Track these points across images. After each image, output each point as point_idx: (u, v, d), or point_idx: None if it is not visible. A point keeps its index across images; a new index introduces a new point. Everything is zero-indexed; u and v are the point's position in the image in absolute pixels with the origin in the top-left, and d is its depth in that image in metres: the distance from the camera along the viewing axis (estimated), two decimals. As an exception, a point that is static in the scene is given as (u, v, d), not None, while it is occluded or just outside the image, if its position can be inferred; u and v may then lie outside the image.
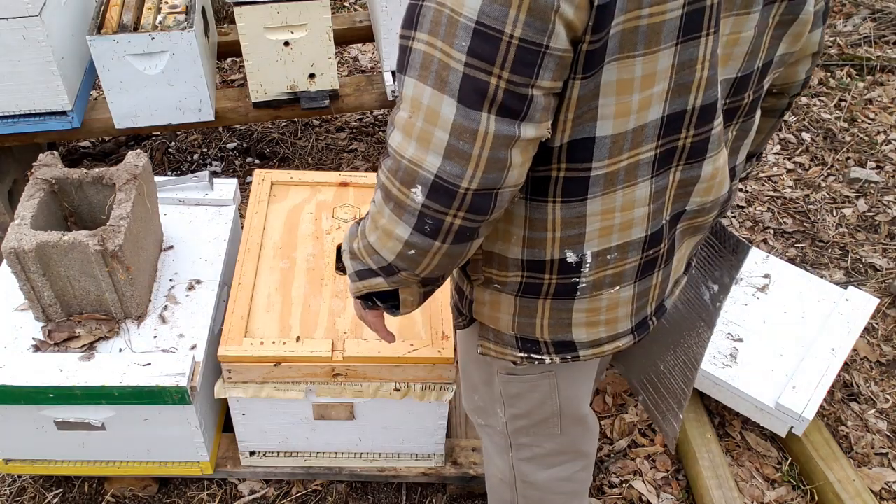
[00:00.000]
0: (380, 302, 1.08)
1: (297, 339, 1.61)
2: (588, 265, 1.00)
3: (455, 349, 1.51)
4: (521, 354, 1.12)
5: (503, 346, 1.13)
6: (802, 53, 1.07)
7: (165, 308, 1.72)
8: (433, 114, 0.82)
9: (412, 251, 0.91)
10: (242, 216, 2.03)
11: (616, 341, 1.11)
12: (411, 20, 0.82)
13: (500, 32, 0.76)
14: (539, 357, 1.12)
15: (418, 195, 0.86)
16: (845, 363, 2.12)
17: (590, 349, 1.10)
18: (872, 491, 1.85)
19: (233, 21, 2.41)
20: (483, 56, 0.78)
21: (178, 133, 3.02)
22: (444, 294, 1.70)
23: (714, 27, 0.86)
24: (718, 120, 0.96)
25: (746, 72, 0.97)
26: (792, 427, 1.85)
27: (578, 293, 1.03)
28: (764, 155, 1.09)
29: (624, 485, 1.94)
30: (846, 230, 2.62)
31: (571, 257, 0.99)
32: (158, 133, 2.99)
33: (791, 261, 2.45)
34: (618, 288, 1.04)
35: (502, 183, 0.85)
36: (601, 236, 0.98)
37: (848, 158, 2.90)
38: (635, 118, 0.88)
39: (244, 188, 2.58)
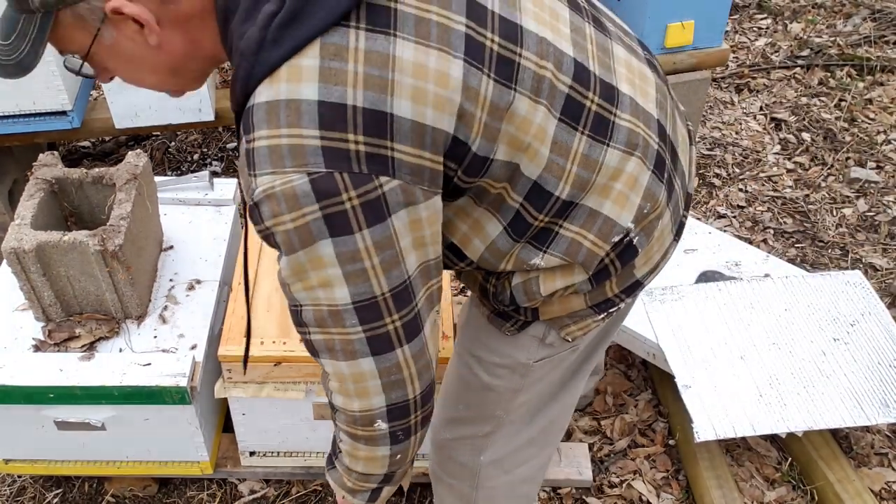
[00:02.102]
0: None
1: (300, 340, 1.60)
2: (631, 226, 1.04)
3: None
4: (601, 316, 1.14)
5: (582, 320, 1.14)
6: None
7: (165, 308, 1.72)
8: (359, 375, 0.94)
9: (399, 455, 1.04)
10: (242, 216, 2.03)
11: (667, 255, 1.15)
12: (299, 319, 0.93)
13: (374, 297, 0.88)
14: (615, 308, 1.15)
15: (382, 425, 0.98)
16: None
17: (650, 274, 1.14)
18: (872, 491, 1.85)
19: (233, 21, 2.41)
20: (373, 318, 0.90)
21: (179, 133, 3.02)
22: (444, 294, 1.70)
23: None
24: None
25: None
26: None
27: (638, 246, 1.07)
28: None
29: (623, 485, 1.93)
30: (846, 230, 2.62)
31: (617, 236, 1.03)
32: (158, 133, 2.99)
33: (791, 261, 2.45)
34: (661, 222, 1.08)
35: (434, 366, 0.99)
36: (620, 208, 1.02)
37: (848, 158, 2.90)
38: (546, 137, 0.94)
39: (244, 188, 2.57)
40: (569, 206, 0.99)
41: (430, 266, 0.93)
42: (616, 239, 1.03)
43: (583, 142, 0.96)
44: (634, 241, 1.06)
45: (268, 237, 0.87)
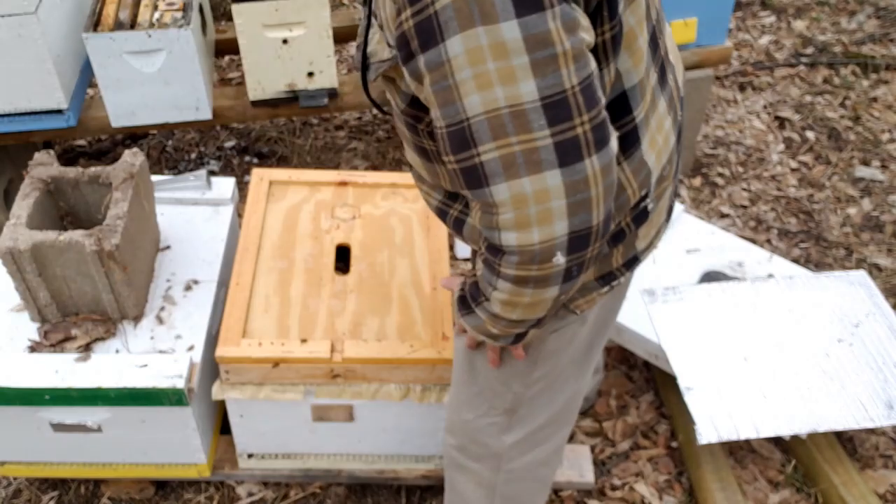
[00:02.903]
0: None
1: (303, 340, 1.59)
2: (652, 188, 1.06)
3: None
4: (605, 289, 1.14)
5: (588, 293, 1.13)
6: None
7: (162, 309, 1.70)
8: (543, 193, 0.83)
9: (563, 297, 0.95)
10: (240, 215, 2.02)
11: (659, 233, 1.16)
12: (465, 140, 0.83)
13: (564, 91, 0.80)
14: (616, 282, 1.14)
15: (560, 259, 0.87)
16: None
17: (646, 251, 1.15)
18: (877, 493, 1.84)
19: (230, 18, 2.39)
20: (562, 118, 0.81)
21: (176, 132, 3.00)
22: (443, 295, 1.69)
23: None
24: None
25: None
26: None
27: (651, 212, 1.08)
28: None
29: (626, 487, 1.92)
30: (851, 230, 2.60)
31: (643, 190, 1.04)
32: (155, 132, 2.97)
33: (795, 261, 2.43)
34: (663, 187, 1.10)
35: (613, 198, 0.90)
36: (657, 162, 1.04)
37: (852, 157, 2.88)
38: (643, 54, 0.96)
39: (242, 187, 2.56)
40: (632, 140, 0.98)
41: None
42: (640, 196, 1.04)
43: (653, 77, 1.00)
44: (649, 206, 1.07)
45: (423, 22, 0.76)
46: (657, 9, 1.04)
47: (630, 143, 0.99)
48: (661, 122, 1.04)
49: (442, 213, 1.14)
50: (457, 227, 1.12)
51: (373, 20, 0.95)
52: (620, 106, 0.96)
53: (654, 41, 1.01)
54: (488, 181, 0.84)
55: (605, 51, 0.89)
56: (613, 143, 0.86)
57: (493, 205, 0.86)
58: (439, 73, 0.81)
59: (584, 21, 0.83)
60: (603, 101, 0.85)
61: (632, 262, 1.15)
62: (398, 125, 1.08)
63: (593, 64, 0.83)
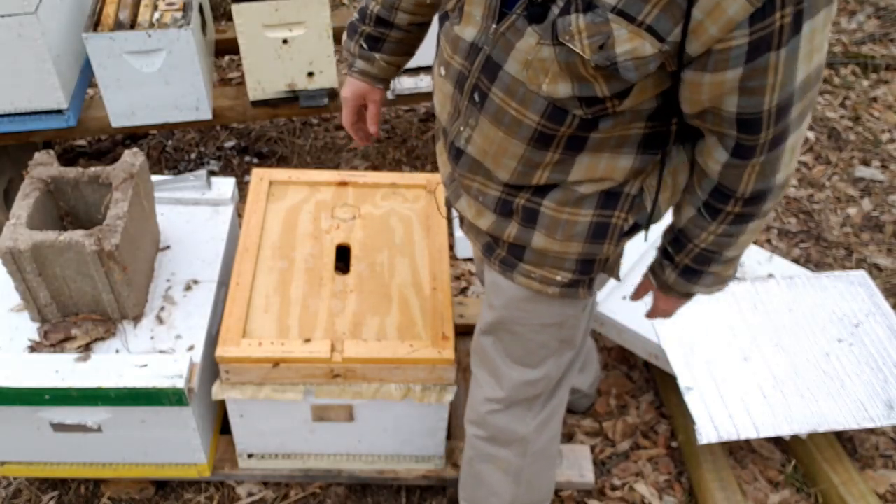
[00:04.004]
0: None
1: (306, 340, 1.59)
2: None
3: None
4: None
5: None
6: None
7: (162, 309, 1.70)
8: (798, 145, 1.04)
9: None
10: (240, 216, 2.01)
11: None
12: (790, 102, 0.96)
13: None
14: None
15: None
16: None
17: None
18: (877, 493, 1.83)
19: (230, 18, 2.39)
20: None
21: (176, 132, 3.00)
22: (444, 295, 1.69)
23: None
24: None
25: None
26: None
27: None
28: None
29: (626, 487, 1.92)
30: (851, 230, 2.60)
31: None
32: (155, 132, 2.97)
33: (795, 261, 2.43)
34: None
35: None
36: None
37: (852, 157, 2.87)
38: None
39: (242, 187, 2.56)
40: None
41: None
42: None
43: None
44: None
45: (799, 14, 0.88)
46: None
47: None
48: None
49: (507, 205, 1.20)
50: (529, 216, 1.20)
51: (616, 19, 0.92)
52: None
53: None
54: (788, 133, 0.99)
55: None
56: None
57: (778, 152, 1.01)
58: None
59: None
60: None
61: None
62: (516, 112, 1.06)
63: None
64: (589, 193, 1.14)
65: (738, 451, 1.96)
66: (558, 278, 1.25)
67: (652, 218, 1.19)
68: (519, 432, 1.49)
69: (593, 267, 1.25)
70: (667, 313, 1.37)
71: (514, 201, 1.19)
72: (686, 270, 1.21)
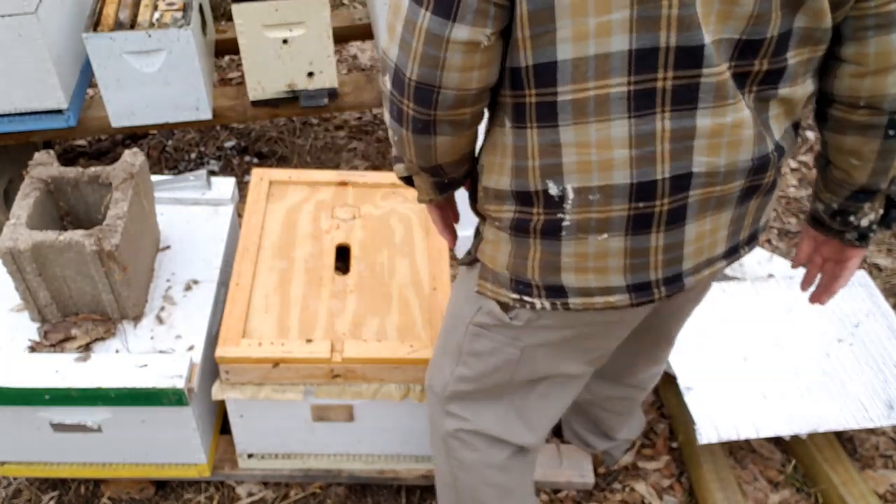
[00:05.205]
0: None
1: (307, 340, 1.59)
2: (570, 201, 1.04)
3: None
4: (514, 296, 1.16)
5: (499, 286, 1.17)
6: (882, 62, 1.01)
7: (162, 309, 1.70)
8: (398, 9, 0.95)
9: (395, 136, 1.07)
10: (240, 216, 2.01)
11: (608, 295, 1.11)
12: None
13: None
14: (530, 300, 1.15)
15: (387, 83, 1.00)
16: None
17: (579, 297, 1.12)
18: (877, 493, 1.83)
19: (230, 18, 2.39)
20: None
21: (176, 132, 3.00)
22: (444, 296, 1.69)
23: None
24: (711, 69, 0.95)
25: (753, 36, 0.96)
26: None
27: (564, 233, 1.07)
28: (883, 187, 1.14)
29: (626, 487, 1.92)
30: (850, 230, 2.60)
31: (553, 189, 1.03)
32: (155, 132, 2.97)
33: (794, 260, 2.43)
34: (605, 236, 1.06)
35: (439, 82, 0.96)
36: (580, 171, 1.01)
37: (851, 157, 2.87)
38: (594, 44, 0.92)
39: (242, 187, 2.56)
40: (547, 114, 1.03)
41: None
42: (541, 188, 1.12)
43: (622, 84, 1.03)
44: (563, 222, 1.14)
45: None
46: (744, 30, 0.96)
47: (544, 115, 0.99)
48: (605, 143, 0.98)
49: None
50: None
51: None
52: (545, 73, 0.96)
53: (646, 63, 0.94)
54: None
55: None
56: (461, 28, 0.91)
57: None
58: None
59: None
60: None
61: (553, 292, 1.11)
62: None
63: None
64: None
65: (738, 451, 1.96)
66: None
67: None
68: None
69: None
70: (852, 275, 1.28)
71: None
72: (891, 203, 1.17)
